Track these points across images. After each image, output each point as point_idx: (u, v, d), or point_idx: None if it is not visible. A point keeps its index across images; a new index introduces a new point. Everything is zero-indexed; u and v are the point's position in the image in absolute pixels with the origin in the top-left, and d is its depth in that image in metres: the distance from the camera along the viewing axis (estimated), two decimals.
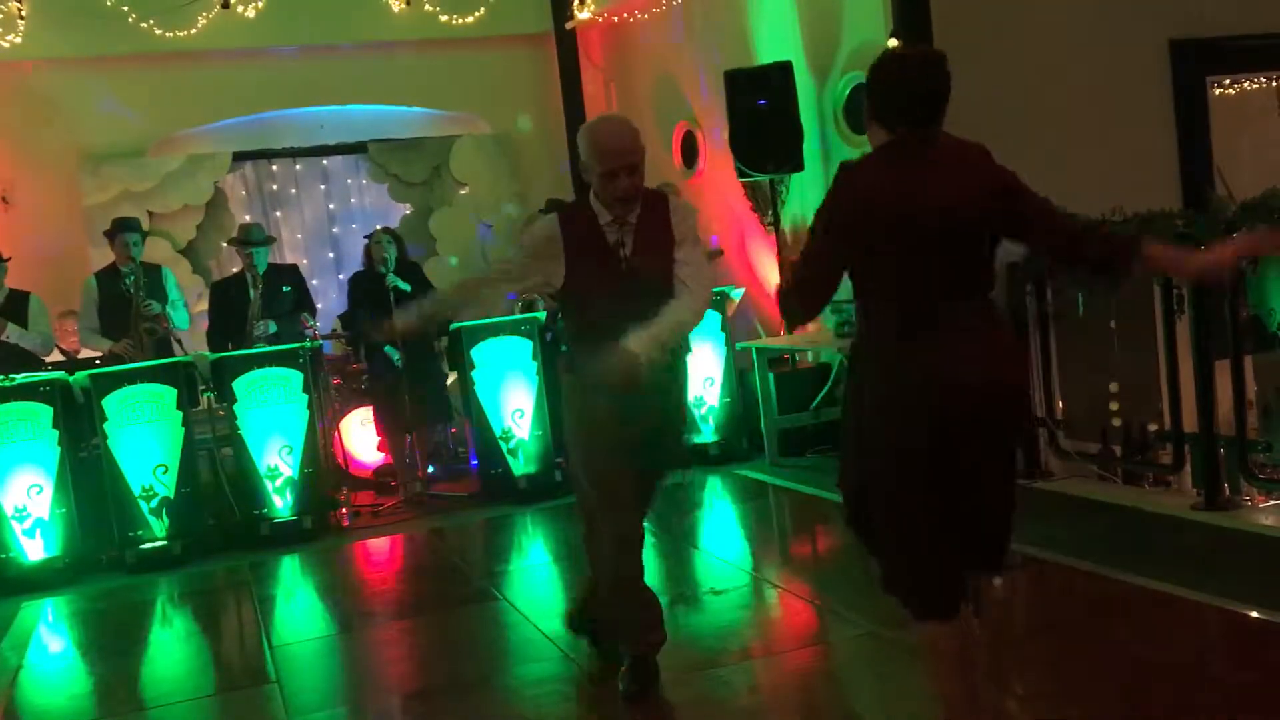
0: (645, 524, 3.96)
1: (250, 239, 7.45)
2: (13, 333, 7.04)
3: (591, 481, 3.83)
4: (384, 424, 7.64)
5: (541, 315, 7.51)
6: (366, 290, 7.47)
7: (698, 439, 7.68)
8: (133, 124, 9.33)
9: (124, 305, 7.16)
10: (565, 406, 3.98)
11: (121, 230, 7.27)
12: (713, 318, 7.61)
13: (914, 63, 2.93)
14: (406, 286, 7.26)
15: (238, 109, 9.60)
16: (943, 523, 2.87)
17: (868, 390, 2.94)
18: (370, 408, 7.91)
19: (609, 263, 3.71)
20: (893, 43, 6.48)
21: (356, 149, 10.09)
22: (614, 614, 3.99)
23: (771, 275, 8.09)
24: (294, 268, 8.04)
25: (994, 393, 2.86)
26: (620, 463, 3.75)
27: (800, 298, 2.99)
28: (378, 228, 7.89)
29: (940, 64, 2.88)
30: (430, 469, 7.81)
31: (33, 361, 7.11)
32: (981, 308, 2.92)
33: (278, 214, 9.97)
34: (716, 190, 8.85)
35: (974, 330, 2.87)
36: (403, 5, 9.49)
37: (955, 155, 2.92)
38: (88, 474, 6.60)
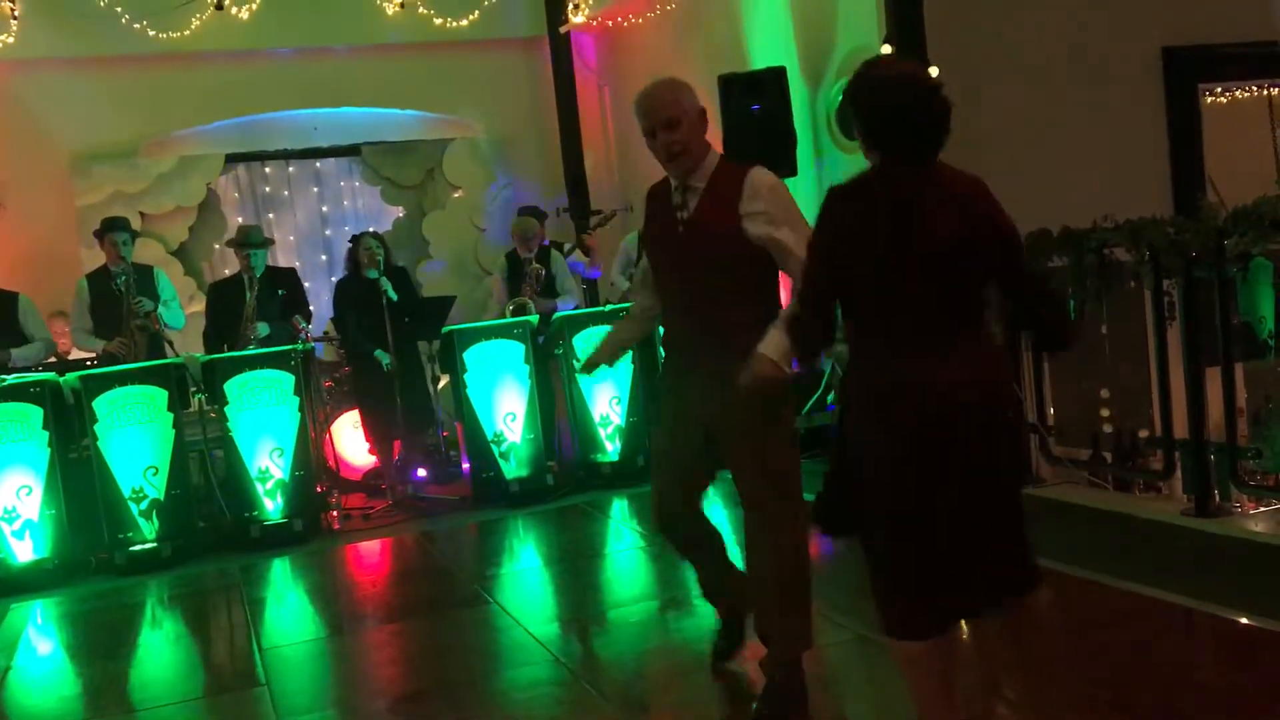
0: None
1: (249, 241, 7.44)
2: (15, 354, 7.01)
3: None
4: (371, 429, 7.62)
5: (534, 319, 7.51)
6: (355, 295, 7.46)
7: None
8: (125, 125, 9.31)
9: (116, 305, 7.14)
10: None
11: (110, 230, 7.25)
12: None
13: (912, 88, 2.74)
14: (394, 295, 7.26)
15: (231, 110, 9.59)
16: (937, 538, 2.78)
17: (854, 406, 2.91)
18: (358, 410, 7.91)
19: (670, 225, 3.63)
20: (886, 49, 6.49)
21: (350, 151, 10.10)
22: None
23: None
24: (291, 271, 8.03)
25: (975, 389, 2.78)
26: (671, 434, 3.77)
27: (801, 329, 2.98)
28: (366, 231, 7.87)
29: (939, 92, 2.74)
30: (421, 473, 7.79)
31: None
32: (970, 339, 2.83)
33: (270, 216, 9.96)
34: None
35: (962, 354, 2.79)
36: (397, 8, 9.49)
37: (949, 187, 2.78)
38: (78, 475, 6.57)
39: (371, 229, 8.35)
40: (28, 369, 6.95)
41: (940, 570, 2.80)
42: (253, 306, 7.26)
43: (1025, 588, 2.93)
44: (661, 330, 3.89)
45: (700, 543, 3.96)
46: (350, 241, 7.71)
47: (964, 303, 2.82)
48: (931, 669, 2.87)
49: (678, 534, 3.92)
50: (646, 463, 7.50)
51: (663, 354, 3.89)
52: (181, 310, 7.58)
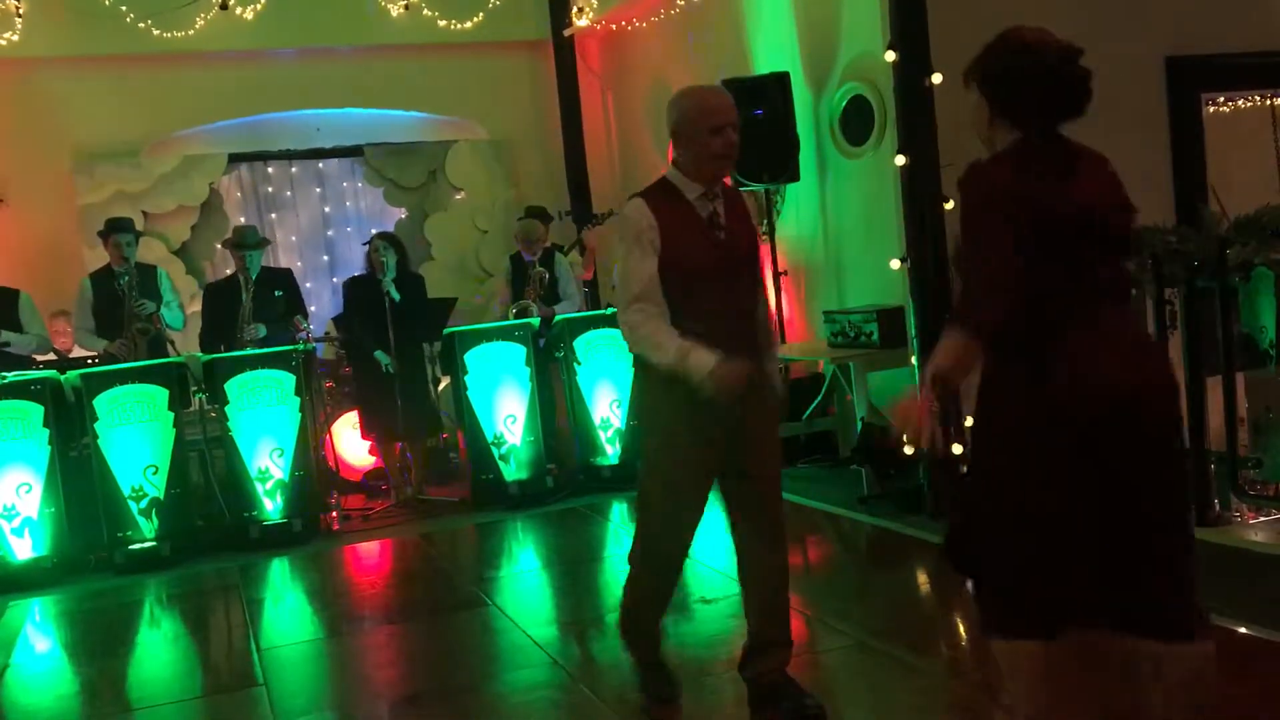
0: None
1: (244, 242, 7.45)
2: (9, 338, 7.02)
3: (664, 480, 3.61)
4: (374, 431, 7.62)
5: (535, 321, 7.51)
6: (362, 296, 7.46)
7: None
8: (128, 124, 9.30)
9: (119, 306, 7.16)
10: (647, 400, 3.68)
11: (115, 231, 7.27)
12: None
13: (1054, 52, 2.72)
14: (397, 296, 7.26)
15: (234, 110, 9.59)
16: (1075, 532, 2.61)
17: (1009, 398, 2.71)
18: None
19: (707, 236, 3.51)
20: (890, 56, 6.50)
21: (352, 152, 10.09)
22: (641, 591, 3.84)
23: (766, 283, 8.09)
24: (287, 272, 8.03)
25: (1142, 394, 2.65)
26: (703, 464, 3.57)
27: (988, 295, 2.63)
28: (374, 233, 7.88)
29: (1079, 56, 2.71)
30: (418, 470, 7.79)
31: (23, 360, 7.09)
32: (1125, 312, 2.76)
33: (273, 216, 9.96)
34: None
35: (1120, 334, 2.69)
36: (401, 10, 9.51)
37: (1088, 158, 2.78)
38: (77, 474, 6.58)
39: (377, 231, 8.33)
40: (23, 363, 6.96)
41: (1066, 565, 2.64)
42: (249, 307, 7.26)
43: (1170, 633, 2.67)
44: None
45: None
46: (366, 244, 7.74)
47: (1115, 274, 2.73)
48: (1041, 673, 2.68)
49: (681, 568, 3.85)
50: None
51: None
52: (182, 311, 7.59)
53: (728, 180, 3.71)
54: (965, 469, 2.86)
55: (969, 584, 2.84)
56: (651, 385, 3.58)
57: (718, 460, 3.55)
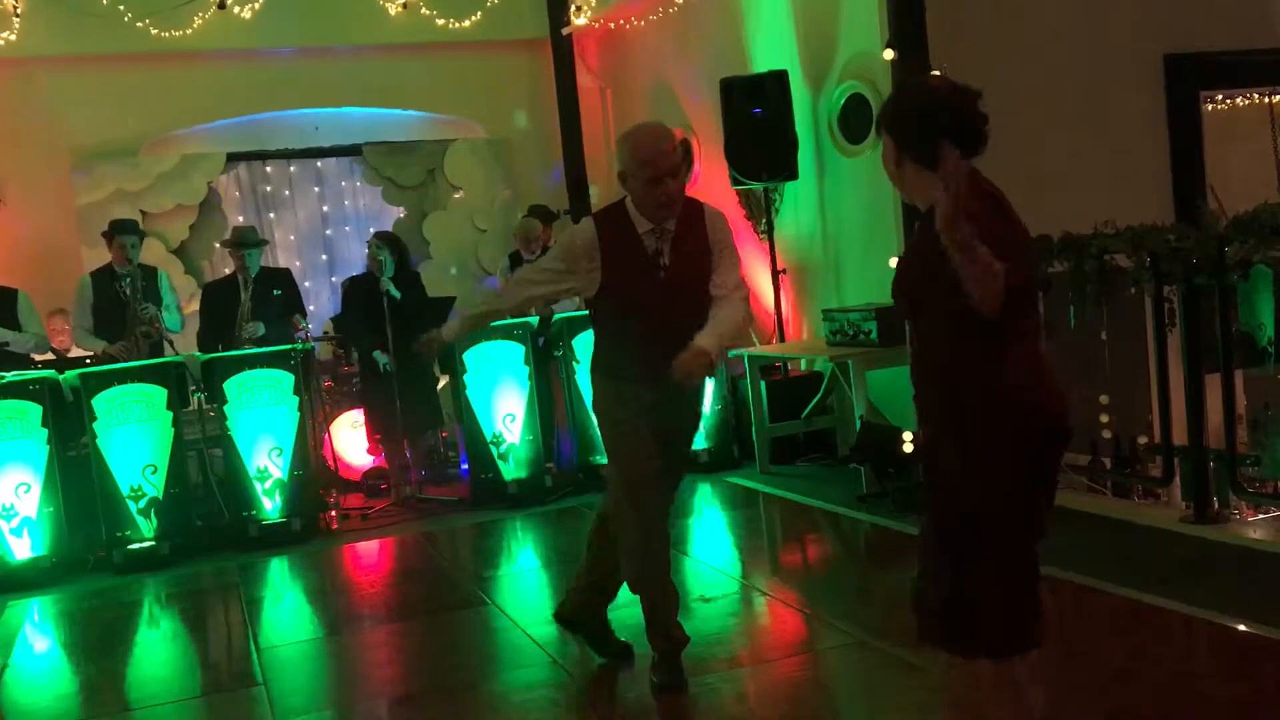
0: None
1: (243, 241, 7.44)
2: (7, 337, 7.01)
3: (625, 474, 3.88)
4: (378, 428, 7.62)
5: (534, 320, 7.51)
6: (362, 296, 7.46)
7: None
8: (127, 123, 9.30)
9: (119, 306, 7.15)
10: (598, 406, 3.99)
11: (120, 232, 7.26)
12: None
13: (950, 93, 2.83)
14: (397, 294, 7.26)
15: (232, 110, 9.59)
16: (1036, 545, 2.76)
17: (980, 413, 2.68)
18: (361, 410, 7.91)
19: (648, 273, 3.74)
20: (888, 54, 6.50)
21: (351, 151, 10.08)
22: (644, 604, 4.01)
23: (764, 283, 8.10)
24: (286, 271, 8.02)
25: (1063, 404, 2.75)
26: (655, 456, 3.83)
27: (1015, 257, 2.59)
28: (372, 232, 7.87)
29: (976, 98, 2.84)
30: (421, 473, 7.79)
31: (22, 359, 7.08)
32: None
33: (271, 215, 9.95)
34: (710, 198, 8.65)
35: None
36: (399, 9, 9.50)
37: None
38: (76, 473, 6.57)
39: (376, 230, 8.32)
40: (22, 362, 6.95)
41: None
42: (247, 307, 7.26)
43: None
44: (605, 350, 3.98)
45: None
46: (368, 244, 7.75)
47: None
48: (1018, 682, 2.77)
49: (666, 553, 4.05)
50: None
51: (599, 372, 3.99)
52: (181, 314, 7.58)
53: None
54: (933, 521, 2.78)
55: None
56: (595, 383, 3.99)
57: (652, 420, 3.83)
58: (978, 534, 2.71)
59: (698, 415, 4.16)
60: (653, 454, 3.84)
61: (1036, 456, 2.69)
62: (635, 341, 3.78)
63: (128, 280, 7.15)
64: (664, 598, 3.99)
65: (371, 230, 8.32)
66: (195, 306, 8.06)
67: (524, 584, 5.78)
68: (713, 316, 3.71)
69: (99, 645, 5.28)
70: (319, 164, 10.13)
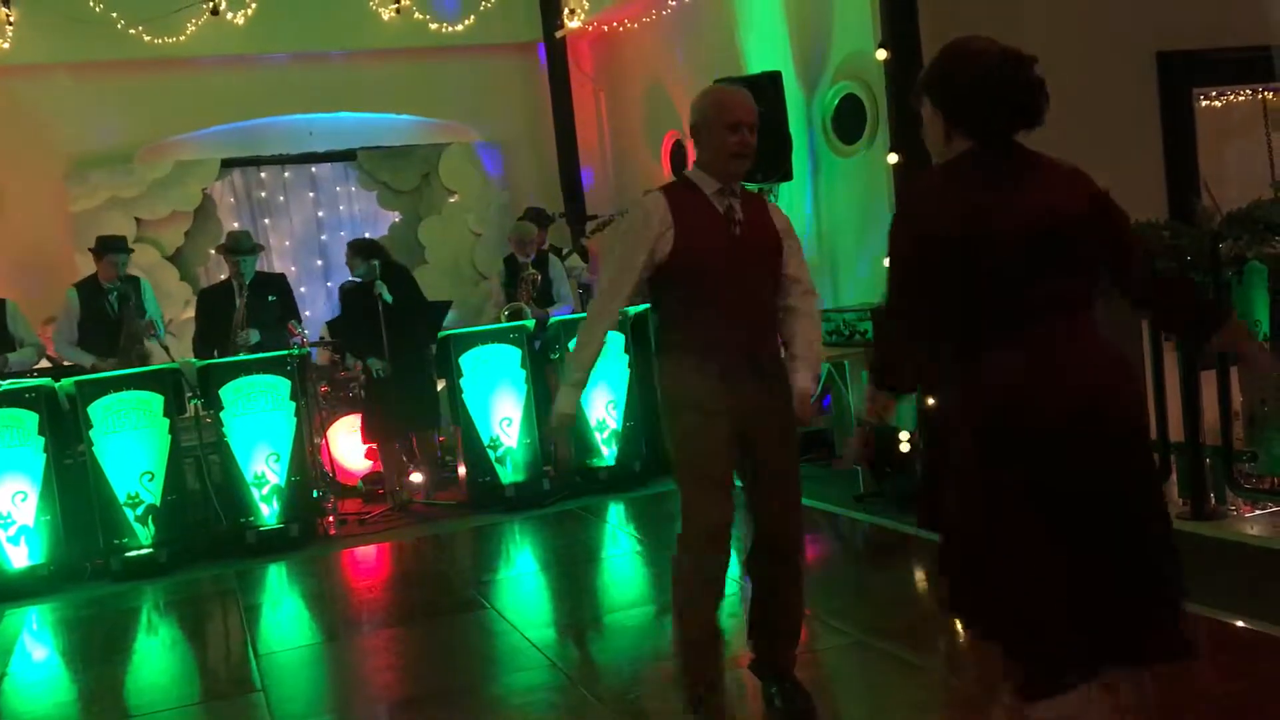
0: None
1: (238, 247, 7.43)
2: (14, 361, 7.00)
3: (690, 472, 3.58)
4: (376, 431, 7.60)
5: (530, 323, 7.51)
6: (358, 302, 7.46)
7: None
8: (121, 130, 9.29)
9: (103, 320, 7.13)
10: (665, 391, 3.65)
11: (109, 250, 7.23)
12: None
13: (999, 58, 2.67)
14: (389, 298, 7.26)
15: (227, 116, 9.58)
16: (1055, 570, 2.45)
17: (950, 414, 2.60)
18: (359, 415, 7.89)
19: (721, 229, 3.55)
20: (881, 54, 6.51)
21: (346, 156, 10.08)
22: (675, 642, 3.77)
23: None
24: (281, 277, 8.01)
25: (1094, 401, 2.51)
26: (726, 454, 3.56)
27: (895, 355, 2.71)
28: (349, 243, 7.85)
29: (1031, 63, 2.62)
30: (418, 478, 7.78)
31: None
32: (1078, 323, 2.61)
33: (266, 221, 9.94)
34: None
35: (1067, 341, 2.56)
36: (393, 13, 9.50)
37: (1048, 169, 2.68)
38: (73, 481, 6.57)
39: (350, 240, 8.25)
40: (23, 374, 6.95)
41: (1064, 598, 2.48)
42: (243, 313, 7.25)
43: (1158, 655, 2.58)
44: (677, 336, 3.63)
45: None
46: None
47: (1068, 285, 2.59)
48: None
49: (729, 542, 3.71)
50: (643, 467, 7.51)
51: (679, 357, 3.62)
52: (161, 324, 7.55)
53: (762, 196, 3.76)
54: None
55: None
56: (666, 365, 3.63)
57: (731, 426, 3.51)
58: (962, 550, 2.55)
59: (792, 418, 3.64)
60: (715, 431, 3.51)
61: (1005, 462, 2.47)
62: (708, 309, 3.52)
63: (115, 295, 7.12)
64: (705, 638, 3.69)
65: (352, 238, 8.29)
66: (189, 314, 8.05)
67: (522, 587, 5.78)
68: (800, 337, 3.63)
69: (97, 653, 5.27)
70: (314, 169, 10.12)
